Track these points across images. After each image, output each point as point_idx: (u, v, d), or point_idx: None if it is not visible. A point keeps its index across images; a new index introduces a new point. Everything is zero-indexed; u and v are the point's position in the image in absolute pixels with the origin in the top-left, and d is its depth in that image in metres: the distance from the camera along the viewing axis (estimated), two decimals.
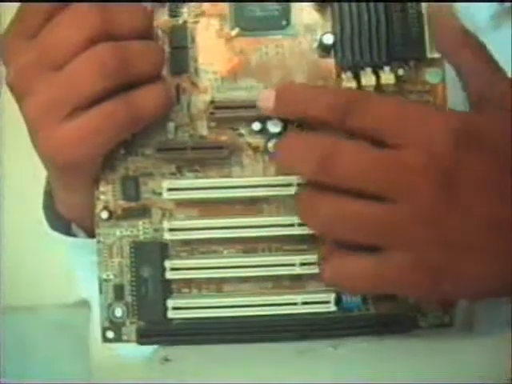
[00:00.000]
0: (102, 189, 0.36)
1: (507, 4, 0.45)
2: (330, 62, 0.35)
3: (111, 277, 0.36)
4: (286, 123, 0.35)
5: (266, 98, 0.32)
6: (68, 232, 0.40)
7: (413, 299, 0.36)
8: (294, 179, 0.34)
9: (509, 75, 0.43)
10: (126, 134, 0.33)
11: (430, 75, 0.36)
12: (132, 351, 0.45)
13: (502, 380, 0.29)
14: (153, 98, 0.32)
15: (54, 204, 0.39)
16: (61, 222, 0.40)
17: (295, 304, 0.35)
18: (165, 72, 0.35)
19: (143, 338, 0.35)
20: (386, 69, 0.34)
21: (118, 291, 0.36)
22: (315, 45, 0.35)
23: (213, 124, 0.35)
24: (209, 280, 0.35)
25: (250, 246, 0.35)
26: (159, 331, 0.35)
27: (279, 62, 0.36)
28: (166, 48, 0.35)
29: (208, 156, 0.34)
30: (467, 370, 0.31)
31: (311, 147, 0.31)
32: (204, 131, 0.35)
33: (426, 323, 0.36)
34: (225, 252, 0.36)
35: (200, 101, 0.35)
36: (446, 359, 0.32)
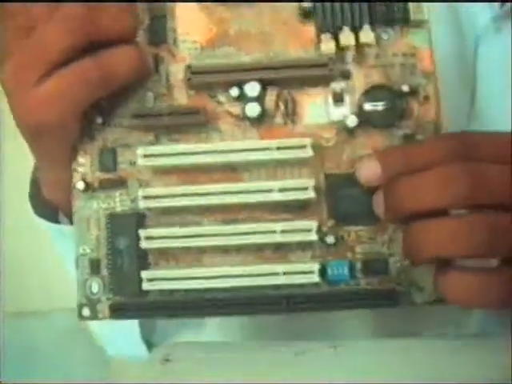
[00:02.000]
0: (80, 160, 0.35)
1: (507, 6, 0.45)
2: (311, 28, 0.35)
3: (88, 251, 0.34)
4: (264, 86, 0.34)
5: (370, 168, 0.31)
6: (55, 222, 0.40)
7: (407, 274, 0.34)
8: (273, 143, 0.33)
9: (510, 78, 0.43)
10: (97, 93, 0.32)
11: (415, 37, 0.34)
12: (133, 351, 0.44)
13: (503, 380, 0.29)
14: (125, 58, 0.32)
15: (40, 192, 0.39)
16: (47, 211, 0.40)
17: (277, 274, 0.33)
18: (143, 42, 0.35)
19: (117, 311, 0.33)
20: (366, 27, 0.33)
21: (95, 266, 0.34)
22: (295, 11, 0.35)
23: (191, 93, 0.35)
24: (187, 251, 0.34)
25: (230, 215, 0.34)
26: (133, 305, 0.33)
27: (259, 29, 0.35)
28: (146, 19, 0.35)
29: (185, 121, 0.34)
30: (467, 370, 0.30)
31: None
32: (183, 100, 0.35)
33: (421, 299, 0.34)
34: (204, 221, 0.34)
35: (178, 70, 0.35)
36: (446, 359, 0.31)
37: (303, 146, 0.33)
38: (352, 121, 0.33)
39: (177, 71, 0.35)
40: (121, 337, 0.47)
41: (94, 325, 0.49)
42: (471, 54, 0.47)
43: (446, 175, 0.29)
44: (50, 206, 0.39)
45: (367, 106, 0.34)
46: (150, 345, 0.47)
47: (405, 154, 0.31)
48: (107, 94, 0.33)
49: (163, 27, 0.35)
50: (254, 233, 0.33)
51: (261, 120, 0.34)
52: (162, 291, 0.34)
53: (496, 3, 0.46)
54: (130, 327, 0.45)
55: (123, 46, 0.32)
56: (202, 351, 0.38)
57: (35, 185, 0.40)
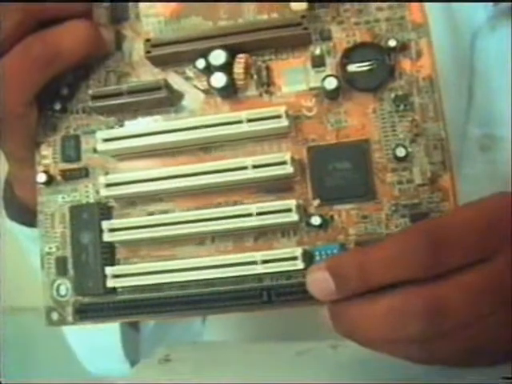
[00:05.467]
0: (42, 152, 0.32)
1: (503, 5, 0.45)
2: None
3: (53, 249, 0.31)
4: (233, 54, 0.30)
5: (323, 284, 0.26)
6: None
7: None
8: (243, 114, 0.29)
9: (508, 75, 0.43)
10: (46, 73, 0.30)
11: None
12: (115, 369, 0.41)
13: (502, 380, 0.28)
14: (72, 34, 0.29)
15: (13, 194, 0.37)
16: (21, 213, 0.37)
17: (254, 263, 0.29)
18: (105, 21, 0.32)
19: (81, 314, 0.30)
20: None
21: (61, 265, 0.31)
22: None
23: (156, 70, 0.32)
24: (157, 244, 0.30)
25: (204, 201, 0.30)
26: (99, 305, 0.30)
27: None
28: None
29: (147, 98, 0.30)
30: (467, 370, 0.28)
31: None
32: (147, 79, 0.32)
33: None
34: (176, 211, 0.31)
35: (142, 47, 0.32)
36: None
37: (277, 116, 0.29)
38: (330, 83, 0.29)
39: (140, 48, 0.32)
40: (102, 353, 0.44)
41: (72, 340, 0.47)
42: (467, 53, 0.46)
43: (401, 308, 0.25)
44: (25, 208, 0.37)
45: (351, 68, 0.30)
46: (133, 362, 0.43)
47: (359, 269, 0.25)
48: (65, 78, 0.31)
49: (125, 4, 0.32)
50: (228, 217, 0.29)
51: (232, 93, 0.31)
52: (131, 290, 0.30)
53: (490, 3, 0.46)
54: (112, 343, 0.42)
55: (72, 21, 0.30)
56: (202, 351, 0.38)
57: (9, 186, 0.37)
